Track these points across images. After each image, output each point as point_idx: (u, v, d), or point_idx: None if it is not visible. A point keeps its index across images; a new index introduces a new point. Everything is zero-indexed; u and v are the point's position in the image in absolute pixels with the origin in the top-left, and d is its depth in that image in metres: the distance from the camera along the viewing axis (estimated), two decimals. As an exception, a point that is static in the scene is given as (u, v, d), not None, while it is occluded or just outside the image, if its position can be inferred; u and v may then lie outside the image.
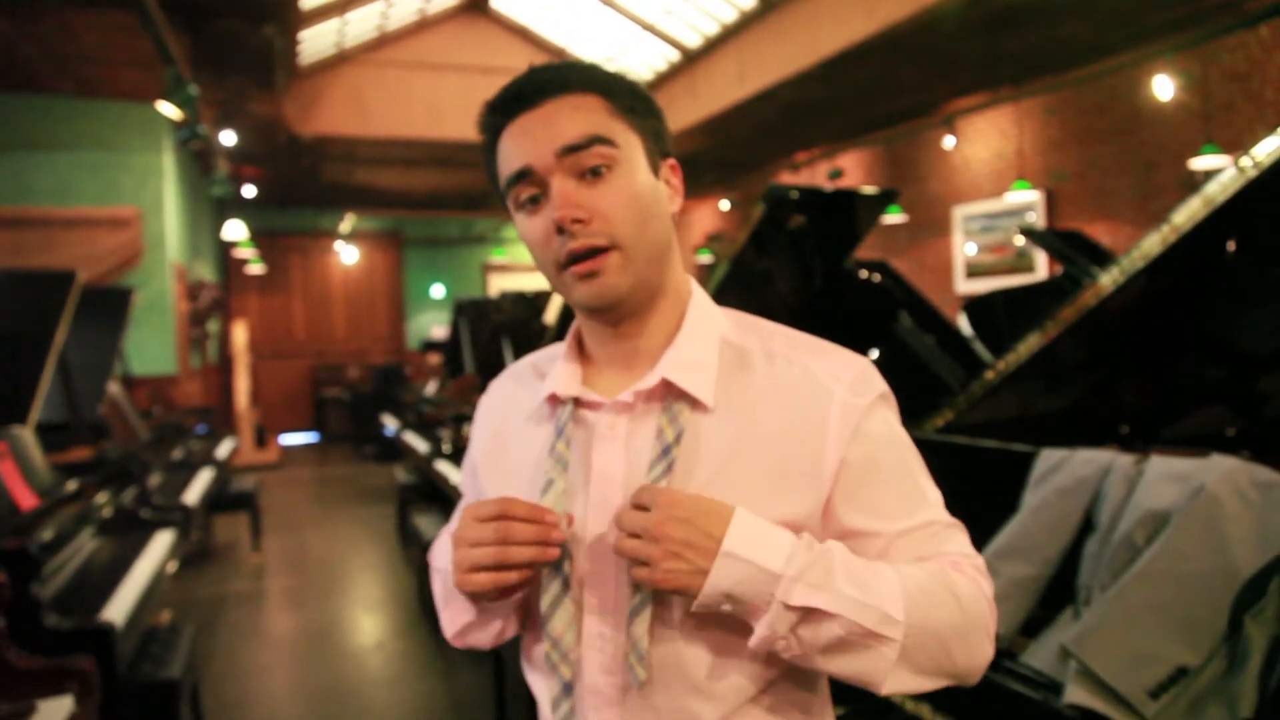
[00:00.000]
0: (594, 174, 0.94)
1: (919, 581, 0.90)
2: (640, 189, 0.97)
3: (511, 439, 1.10)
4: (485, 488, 1.11)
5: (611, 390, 1.03)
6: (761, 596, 0.86)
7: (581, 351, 1.08)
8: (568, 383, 1.04)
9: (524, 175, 0.96)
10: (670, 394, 0.98)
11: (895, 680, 0.88)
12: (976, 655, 0.92)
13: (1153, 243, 2.04)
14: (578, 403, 1.03)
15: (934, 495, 1.00)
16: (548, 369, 1.10)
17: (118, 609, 2.79)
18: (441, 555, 1.11)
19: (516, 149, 0.96)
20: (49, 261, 7.65)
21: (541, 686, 1.05)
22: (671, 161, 1.04)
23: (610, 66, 1.02)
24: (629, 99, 0.99)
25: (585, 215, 0.93)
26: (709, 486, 0.94)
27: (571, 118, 0.95)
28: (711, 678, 0.95)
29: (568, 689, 0.97)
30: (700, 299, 1.05)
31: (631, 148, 0.97)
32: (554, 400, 1.05)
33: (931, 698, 1.76)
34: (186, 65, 6.77)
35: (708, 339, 1.01)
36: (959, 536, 0.99)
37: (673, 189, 1.04)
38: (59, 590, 2.84)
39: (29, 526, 2.80)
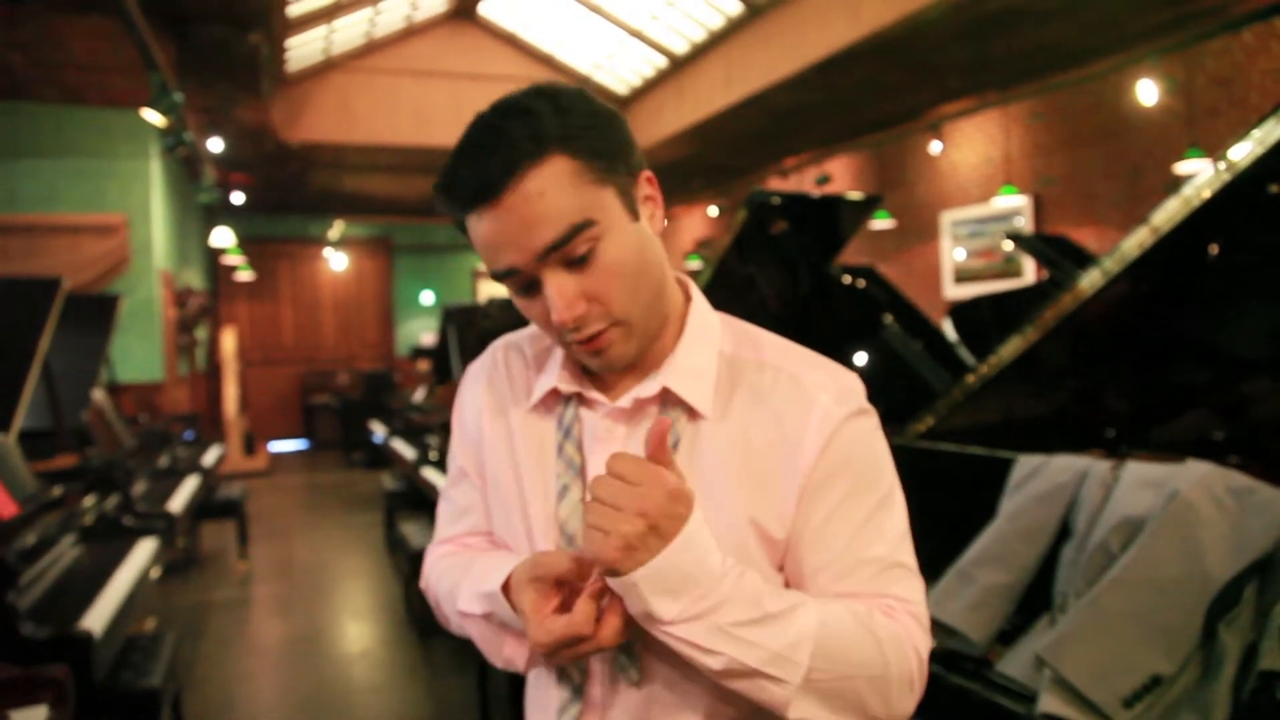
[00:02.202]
0: (582, 260, 0.91)
1: (841, 623, 0.89)
2: (628, 254, 0.93)
3: (515, 422, 1.09)
4: (491, 468, 1.11)
5: (610, 389, 1.03)
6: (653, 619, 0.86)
7: None
8: (569, 378, 1.04)
9: (512, 274, 0.93)
10: (668, 401, 0.99)
11: (800, 709, 0.87)
12: (895, 706, 0.91)
13: (1131, 245, 2.05)
14: (579, 399, 1.04)
15: (894, 529, 0.97)
16: (544, 356, 1.10)
17: (97, 617, 2.76)
18: (472, 600, 1.03)
19: (494, 248, 0.92)
20: (36, 269, 7.60)
21: (543, 692, 1.05)
22: (647, 174, 0.98)
23: (553, 95, 0.92)
24: (588, 137, 0.91)
25: (583, 309, 0.92)
26: (703, 494, 0.94)
27: (541, 208, 0.88)
28: (706, 688, 0.95)
29: (577, 692, 0.99)
30: (700, 306, 1.05)
31: (609, 209, 0.92)
32: (555, 394, 1.06)
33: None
34: (173, 72, 6.76)
35: (707, 348, 1.02)
36: (906, 580, 0.97)
37: (653, 205, 0.99)
38: (38, 598, 2.81)
39: (7, 535, 2.77)
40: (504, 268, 0.92)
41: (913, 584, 0.97)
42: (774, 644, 0.85)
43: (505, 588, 0.95)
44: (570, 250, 0.90)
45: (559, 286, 0.91)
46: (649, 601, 0.84)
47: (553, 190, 0.88)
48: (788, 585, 0.99)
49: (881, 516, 0.96)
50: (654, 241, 0.98)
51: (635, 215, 0.95)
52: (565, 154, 0.89)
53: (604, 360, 0.96)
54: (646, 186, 0.98)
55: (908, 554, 0.98)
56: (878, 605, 0.93)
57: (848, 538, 0.95)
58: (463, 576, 1.06)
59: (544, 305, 0.93)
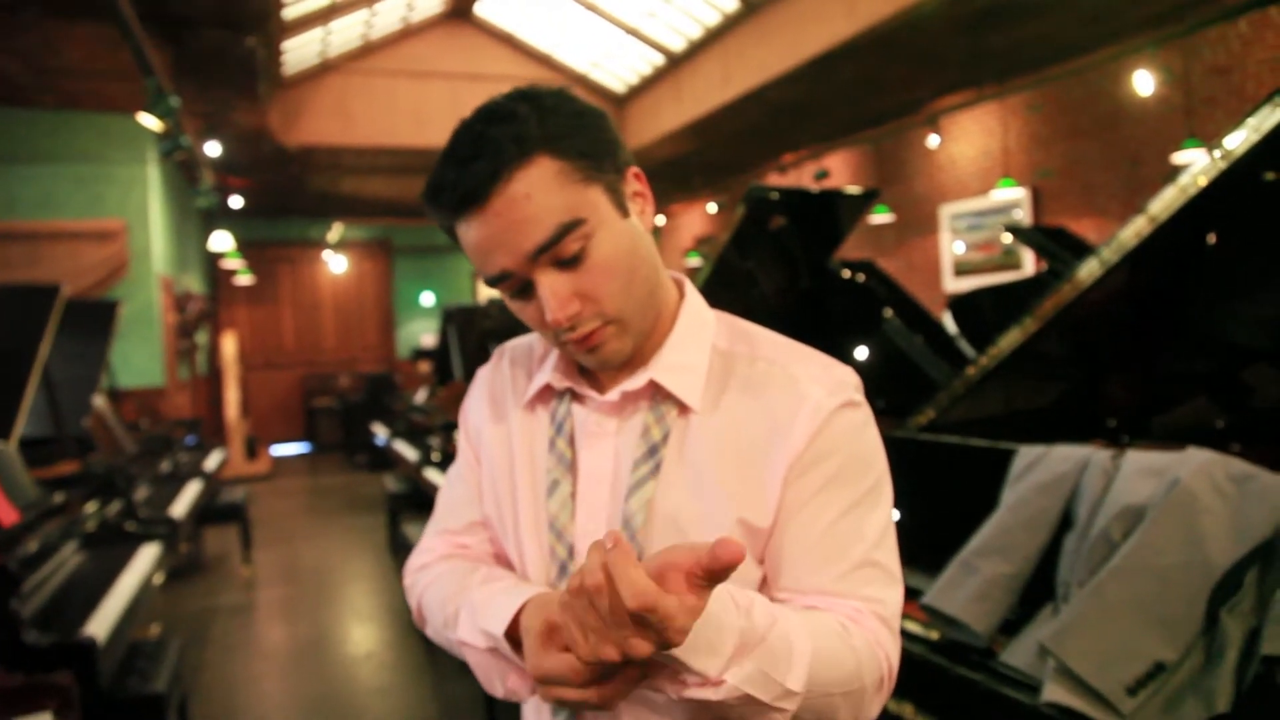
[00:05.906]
0: (574, 260, 0.91)
1: (827, 642, 0.86)
2: (620, 251, 0.93)
3: (513, 418, 1.11)
4: (487, 461, 1.12)
5: (602, 385, 1.05)
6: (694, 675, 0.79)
7: None
8: (562, 374, 1.06)
9: (504, 278, 0.93)
10: (658, 395, 1.00)
11: None
12: (863, 714, 0.90)
13: (1129, 235, 2.04)
14: (571, 395, 1.06)
15: (874, 527, 0.95)
16: (547, 354, 1.11)
17: (100, 624, 2.76)
18: (472, 633, 0.98)
19: (485, 253, 0.92)
20: (35, 275, 7.61)
21: (535, 702, 1.05)
22: (634, 170, 0.99)
23: (535, 97, 0.92)
24: (572, 137, 0.91)
25: (576, 307, 0.92)
26: (692, 488, 0.95)
27: (529, 210, 0.88)
28: None
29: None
30: (693, 303, 1.06)
31: (597, 207, 0.92)
32: (549, 391, 1.08)
33: (913, 698, 1.75)
34: (169, 77, 6.75)
35: (699, 343, 1.02)
36: (880, 581, 0.94)
37: (642, 201, 0.99)
38: (42, 605, 2.82)
39: (9, 543, 2.77)
40: (496, 272, 0.92)
41: (886, 585, 0.95)
42: (787, 679, 0.81)
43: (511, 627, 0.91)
44: (561, 250, 0.90)
45: (552, 286, 0.91)
46: (691, 664, 0.75)
47: (539, 191, 0.88)
48: (764, 576, 0.98)
49: (863, 511, 0.95)
50: (645, 238, 0.98)
51: (625, 212, 0.96)
52: (550, 155, 0.89)
53: (599, 358, 0.97)
54: (635, 183, 0.99)
55: (886, 553, 0.96)
56: (847, 609, 0.92)
57: (824, 527, 0.94)
58: (459, 599, 1.02)
59: (537, 307, 0.94)
